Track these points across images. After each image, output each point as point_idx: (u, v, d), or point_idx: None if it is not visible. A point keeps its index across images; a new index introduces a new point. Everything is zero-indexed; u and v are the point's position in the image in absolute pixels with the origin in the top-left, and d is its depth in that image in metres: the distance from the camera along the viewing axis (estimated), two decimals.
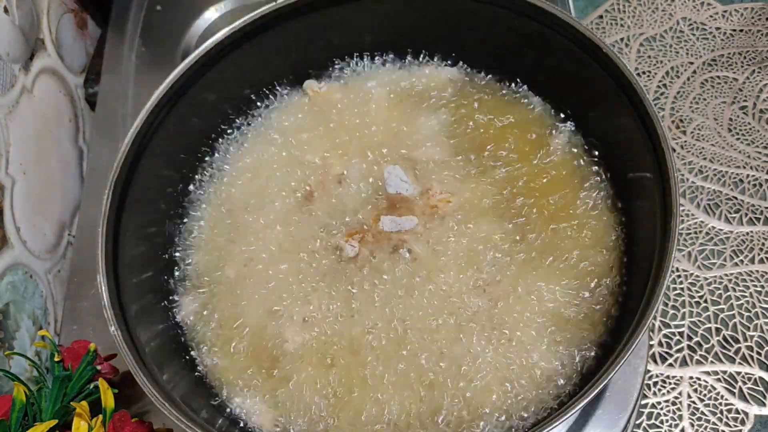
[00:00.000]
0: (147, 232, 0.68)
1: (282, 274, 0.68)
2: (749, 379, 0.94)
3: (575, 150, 0.72)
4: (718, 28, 1.22)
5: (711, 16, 1.23)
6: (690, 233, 1.04)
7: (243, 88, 0.75)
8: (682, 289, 1.00)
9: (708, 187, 1.07)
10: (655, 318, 0.85)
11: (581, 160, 0.71)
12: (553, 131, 0.73)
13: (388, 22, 0.74)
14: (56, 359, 0.67)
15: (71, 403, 0.64)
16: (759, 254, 1.01)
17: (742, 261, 1.01)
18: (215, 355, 0.66)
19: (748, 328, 0.97)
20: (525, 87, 0.75)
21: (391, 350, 0.63)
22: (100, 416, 0.63)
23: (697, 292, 1.00)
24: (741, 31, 1.21)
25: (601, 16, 1.25)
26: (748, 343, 0.96)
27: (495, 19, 0.69)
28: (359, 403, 0.61)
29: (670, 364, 0.95)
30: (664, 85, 1.17)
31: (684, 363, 0.95)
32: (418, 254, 0.66)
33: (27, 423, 0.63)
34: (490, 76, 0.77)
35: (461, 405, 0.61)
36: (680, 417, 0.92)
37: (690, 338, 0.97)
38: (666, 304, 0.99)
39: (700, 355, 0.95)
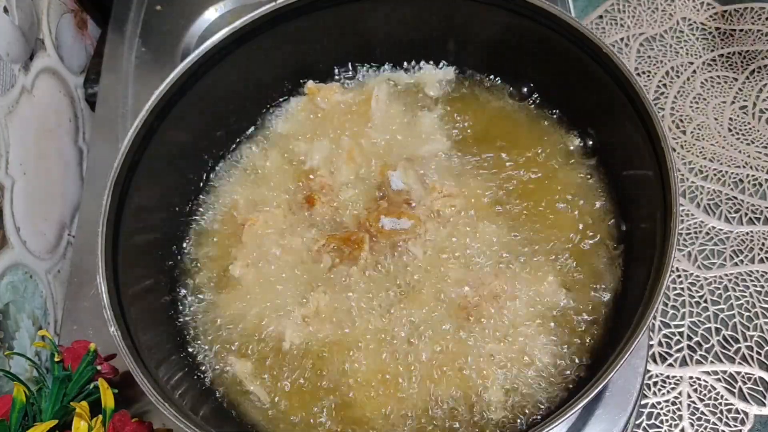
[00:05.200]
0: (147, 233, 0.67)
1: (284, 274, 0.68)
2: (749, 379, 0.94)
3: (574, 149, 0.71)
4: (717, 28, 1.22)
5: (711, 16, 1.23)
6: (690, 233, 1.04)
7: (243, 89, 0.75)
8: (682, 289, 1.00)
9: (708, 187, 1.07)
10: (655, 318, 0.85)
11: (580, 160, 0.71)
12: (552, 131, 0.73)
13: (387, 22, 0.74)
14: (56, 359, 0.67)
15: (71, 403, 0.64)
16: (759, 254, 1.01)
17: (742, 261, 1.01)
18: (216, 355, 0.66)
19: (748, 328, 0.97)
20: (524, 87, 0.75)
21: (390, 349, 0.63)
22: (100, 416, 0.63)
23: (697, 292, 1.00)
24: (741, 31, 1.21)
25: (601, 16, 1.25)
26: (748, 343, 0.96)
27: (495, 19, 0.69)
28: (358, 402, 0.61)
29: (670, 364, 0.95)
30: (664, 85, 1.17)
31: (684, 363, 0.95)
32: (417, 254, 0.66)
33: (27, 423, 0.63)
34: (489, 76, 0.77)
35: (461, 404, 0.61)
36: (680, 417, 0.92)
37: (690, 338, 0.97)
38: (666, 304, 0.99)
39: (700, 355, 0.95)
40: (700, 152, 1.10)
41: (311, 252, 0.68)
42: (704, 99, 1.15)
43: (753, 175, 1.07)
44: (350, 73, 0.79)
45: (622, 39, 1.22)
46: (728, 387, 0.93)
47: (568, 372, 0.61)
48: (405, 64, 0.78)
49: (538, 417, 0.60)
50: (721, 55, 1.19)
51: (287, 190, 0.72)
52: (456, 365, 0.62)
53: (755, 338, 0.96)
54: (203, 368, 0.66)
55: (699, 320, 0.98)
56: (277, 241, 0.69)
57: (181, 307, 0.69)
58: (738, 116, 1.13)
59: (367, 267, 0.66)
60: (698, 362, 0.95)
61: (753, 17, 1.22)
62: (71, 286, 0.81)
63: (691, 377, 0.94)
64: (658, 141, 0.58)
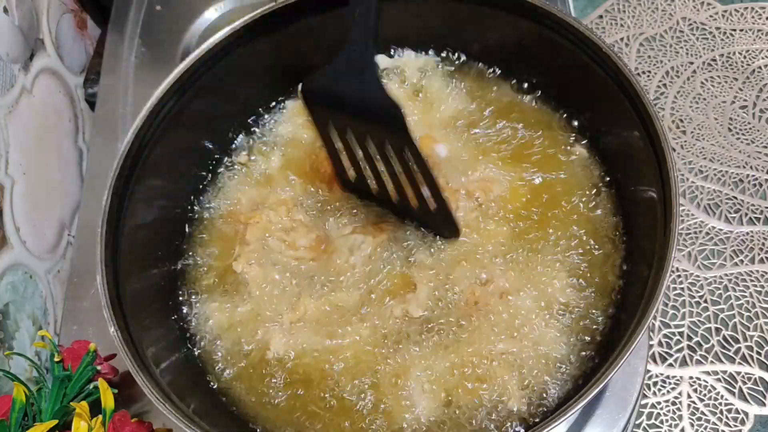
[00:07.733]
0: (148, 232, 0.67)
1: (288, 273, 0.68)
2: (749, 379, 0.94)
3: (574, 150, 0.71)
4: (718, 28, 1.22)
5: (711, 16, 1.23)
6: (690, 233, 1.04)
7: (243, 88, 0.75)
8: (682, 289, 1.00)
9: (708, 187, 1.07)
10: (655, 318, 0.85)
11: (580, 160, 0.71)
12: (551, 130, 0.73)
13: (387, 23, 0.74)
14: (56, 359, 0.67)
15: (71, 403, 0.64)
16: (759, 254, 1.01)
17: (742, 261, 1.01)
18: (216, 356, 0.66)
19: (748, 328, 0.97)
20: (524, 87, 0.75)
21: (389, 349, 0.63)
22: (100, 416, 0.63)
23: (697, 292, 1.00)
24: (741, 31, 1.21)
25: (601, 16, 1.25)
26: (748, 343, 0.96)
27: (495, 19, 0.69)
28: (357, 401, 0.61)
29: (670, 364, 0.95)
30: (664, 85, 1.17)
31: (684, 363, 0.95)
32: (420, 255, 0.66)
33: (27, 423, 0.63)
34: (488, 76, 0.77)
35: (461, 404, 0.61)
36: (680, 417, 0.92)
37: (690, 338, 0.97)
38: (666, 304, 0.99)
39: (700, 355, 0.95)
40: (700, 152, 1.10)
41: (314, 250, 0.68)
42: (704, 99, 1.15)
43: (753, 175, 1.07)
44: None
45: (622, 39, 1.22)
46: (728, 387, 0.93)
47: (568, 371, 0.61)
48: (405, 64, 0.78)
49: (538, 416, 0.60)
50: (721, 55, 1.19)
51: (288, 192, 0.72)
52: (455, 364, 0.62)
53: (755, 338, 0.96)
54: (204, 368, 0.66)
55: (699, 320, 0.98)
56: (279, 243, 0.69)
57: (181, 307, 0.69)
58: (738, 116, 1.13)
59: (367, 268, 0.66)
60: (698, 362, 0.95)
61: (753, 17, 1.22)
62: (71, 286, 0.81)
63: (691, 377, 0.94)
64: (658, 141, 0.58)
